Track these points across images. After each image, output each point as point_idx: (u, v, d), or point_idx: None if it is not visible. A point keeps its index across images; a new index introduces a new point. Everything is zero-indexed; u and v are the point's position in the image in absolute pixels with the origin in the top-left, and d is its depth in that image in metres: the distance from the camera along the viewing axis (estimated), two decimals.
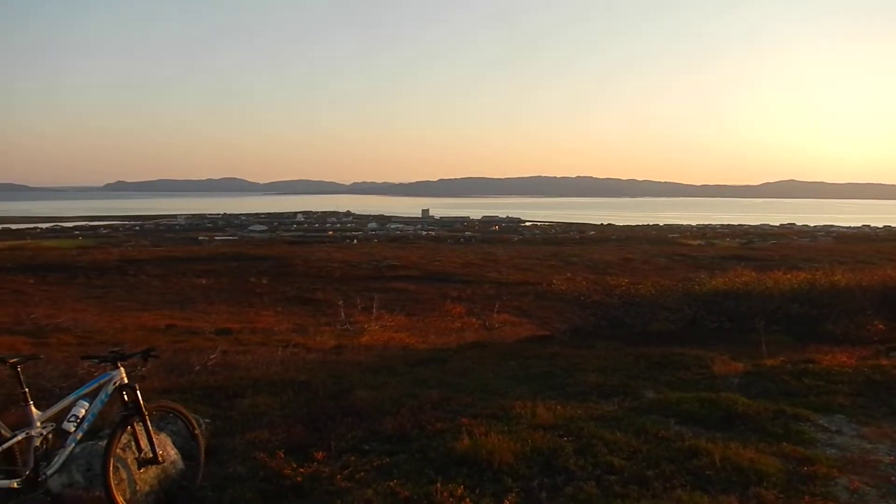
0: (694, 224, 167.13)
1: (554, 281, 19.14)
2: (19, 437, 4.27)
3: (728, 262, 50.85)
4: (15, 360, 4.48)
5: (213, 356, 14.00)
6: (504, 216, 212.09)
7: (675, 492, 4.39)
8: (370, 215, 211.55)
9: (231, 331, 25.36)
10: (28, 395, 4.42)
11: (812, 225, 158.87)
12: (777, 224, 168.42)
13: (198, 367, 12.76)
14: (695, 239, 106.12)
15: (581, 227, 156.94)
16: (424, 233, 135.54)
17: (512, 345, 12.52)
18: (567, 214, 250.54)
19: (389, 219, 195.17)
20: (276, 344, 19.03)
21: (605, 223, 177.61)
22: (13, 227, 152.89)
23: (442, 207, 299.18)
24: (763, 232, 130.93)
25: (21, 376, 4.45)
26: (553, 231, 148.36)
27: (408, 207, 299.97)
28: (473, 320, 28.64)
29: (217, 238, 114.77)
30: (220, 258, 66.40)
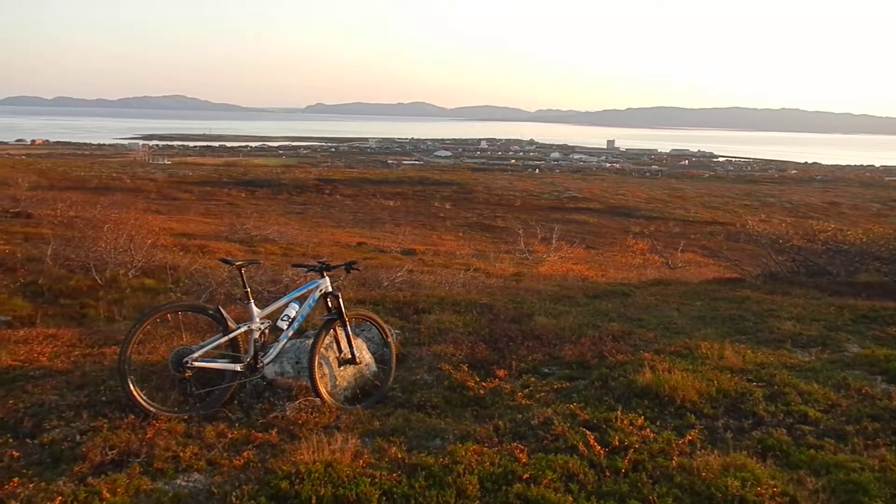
0: None
1: (748, 221, 17.97)
2: (242, 330, 4.87)
3: None
4: (240, 263, 5.07)
5: (399, 274, 14.89)
6: (695, 150, 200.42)
7: (878, 450, 4.08)
8: (553, 144, 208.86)
9: (416, 252, 26.59)
10: (250, 294, 4.99)
11: None
12: None
13: (386, 283, 13.66)
14: None
15: (781, 165, 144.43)
16: (608, 165, 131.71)
17: (697, 285, 12.01)
18: (766, 150, 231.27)
19: (573, 149, 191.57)
20: (457, 267, 19.75)
21: (809, 161, 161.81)
22: (228, 144, 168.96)
23: (628, 139, 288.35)
24: None
25: (244, 278, 5.03)
26: (748, 168, 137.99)
27: (592, 137, 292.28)
28: (655, 257, 27.82)
29: (405, 162, 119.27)
30: (407, 181, 69.19)
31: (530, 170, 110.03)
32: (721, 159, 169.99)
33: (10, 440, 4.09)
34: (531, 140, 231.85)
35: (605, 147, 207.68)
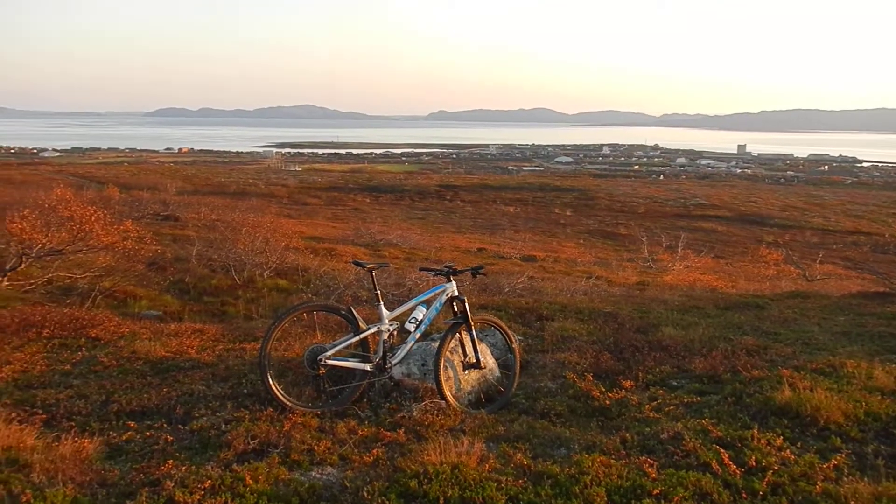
0: None
1: None
2: (372, 331, 5.03)
3: None
4: (371, 266, 5.26)
5: (520, 280, 14.88)
6: (836, 154, 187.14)
7: None
8: (679, 150, 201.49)
9: (536, 258, 26.47)
10: (380, 296, 5.15)
11: None
12: None
13: (507, 289, 13.68)
14: None
15: None
16: (739, 171, 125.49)
17: (840, 299, 11.21)
18: None
19: (700, 154, 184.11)
20: (578, 274, 19.49)
21: None
22: (354, 151, 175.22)
23: (761, 143, 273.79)
24: None
25: (375, 280, 5.20)
26: None
27: (722, 142, 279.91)
28: (791, 268, 26.27)
29: (525, 168, 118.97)
30: (527, 188, 69.04)
31: (654, 176, 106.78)
32: (865, 164, 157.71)
33: (165, 425, 4.46)
34: (656, 145, 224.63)
35: (736, 152, 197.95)
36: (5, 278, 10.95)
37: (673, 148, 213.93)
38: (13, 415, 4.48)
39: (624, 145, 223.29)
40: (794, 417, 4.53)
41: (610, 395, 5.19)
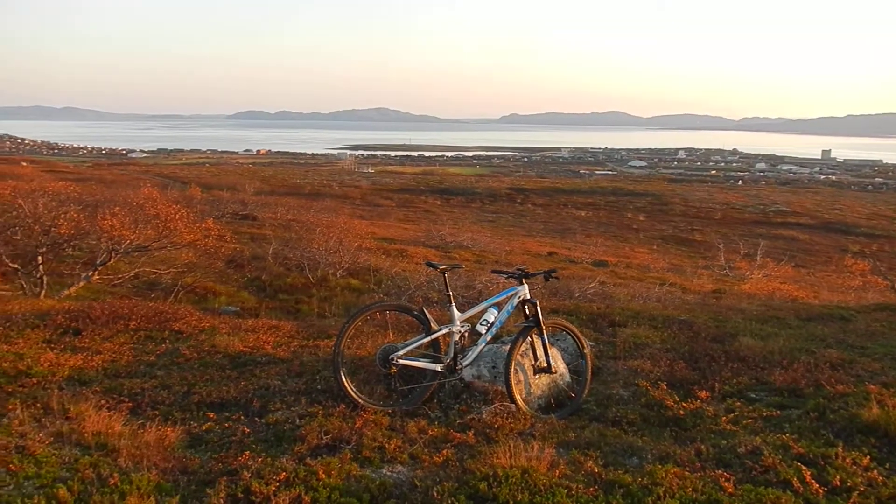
0: None
1: None
2: (444, 332, 5.06)
3: None
4: (444, 267, 5.29)
5: (591, 285, 14.69)
6: None
7: None
8: (759, 154, 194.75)
9: (607, 263, 26.08)
10: (452, 297, 5.17)
11: None
12: None
13: (577, 294, 13.55)
14: None
15: None
16: (823, 177, 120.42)
17: None
18: None
19: (781, 159, 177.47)
20: (651, 281, 19.10)
21: None
22: (426, 154, 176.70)
23: (847, 148, 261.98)
24: None
25: (447, 282, 5.22)
26: None
27: (804, 147, 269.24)
28: (878, 280, 24.99)
29: (597, 172, 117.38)
30: (599, 192, 68.08)
31: (732, 181, 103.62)
32: None
33: (242, 417, 4.61)
34: (734, 150, 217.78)
35: (820, 157, 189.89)
36: (96, 272, 11.52)
37: (752, 153, 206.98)
38: (102, 402, 4.72)
39: (701, 149, 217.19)
40: (883, 436, 4.32)
41: (684, 405, 5.06)
